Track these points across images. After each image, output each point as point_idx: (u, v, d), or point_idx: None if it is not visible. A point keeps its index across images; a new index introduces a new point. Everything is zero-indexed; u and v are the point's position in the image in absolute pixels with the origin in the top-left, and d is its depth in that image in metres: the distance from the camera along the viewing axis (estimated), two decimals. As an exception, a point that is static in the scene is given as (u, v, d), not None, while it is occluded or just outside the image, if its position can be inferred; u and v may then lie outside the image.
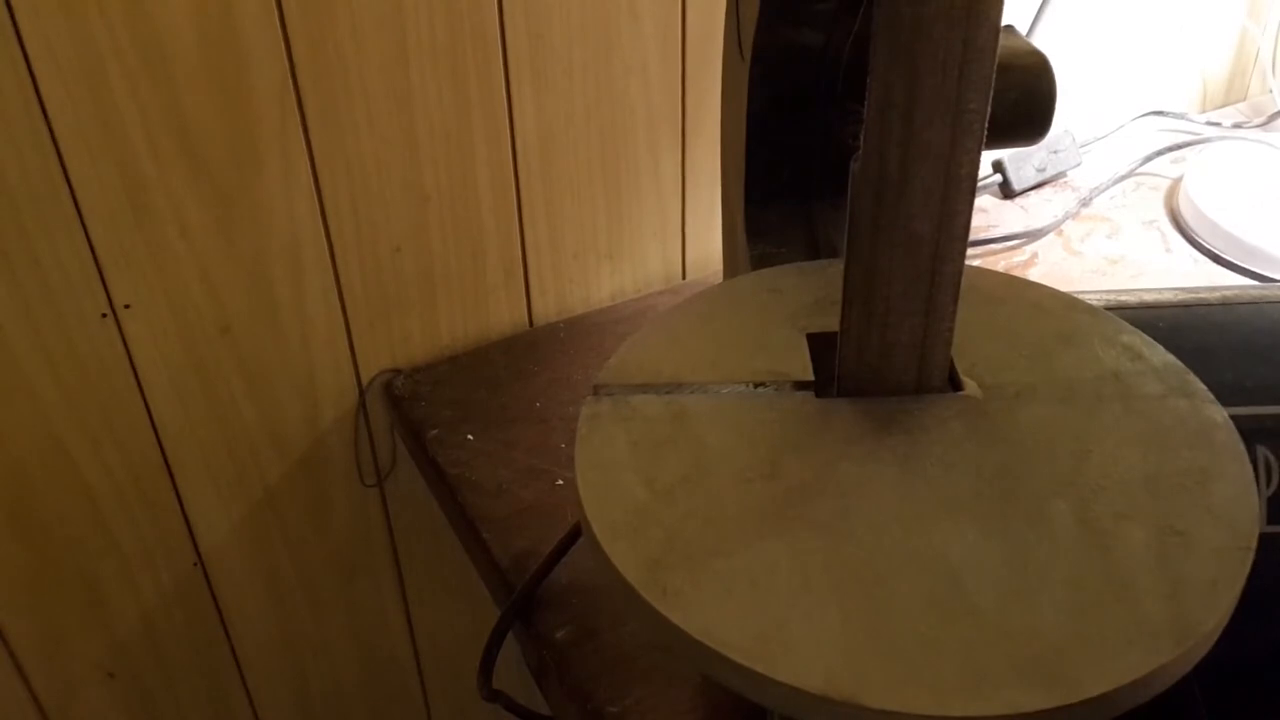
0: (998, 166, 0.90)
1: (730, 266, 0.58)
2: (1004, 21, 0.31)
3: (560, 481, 0.62)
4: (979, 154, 0.32)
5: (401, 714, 0.92)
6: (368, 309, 0.71)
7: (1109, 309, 0.42)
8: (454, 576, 0.86)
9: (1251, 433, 0.38)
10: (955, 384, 0.38)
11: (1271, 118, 1.03)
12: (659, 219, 0.80)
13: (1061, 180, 0.92)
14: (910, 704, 0.28)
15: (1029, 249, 0.83)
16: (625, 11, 0.70)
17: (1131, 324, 0.41)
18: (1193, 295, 0.51)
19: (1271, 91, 1.07)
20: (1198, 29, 1.03)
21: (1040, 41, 0.46)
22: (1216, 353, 0.47)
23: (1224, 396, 0.37)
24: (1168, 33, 1.00)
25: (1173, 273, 0.80)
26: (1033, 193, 0.91)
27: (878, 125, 0.31)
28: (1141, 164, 0.94)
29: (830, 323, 0.41)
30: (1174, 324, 0.48)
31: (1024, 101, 0.45)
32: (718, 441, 0.36)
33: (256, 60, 0.59)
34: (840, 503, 0.33)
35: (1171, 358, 0.39)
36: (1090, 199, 0.89)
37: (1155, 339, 0.40)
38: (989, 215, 0.88)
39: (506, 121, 0.70)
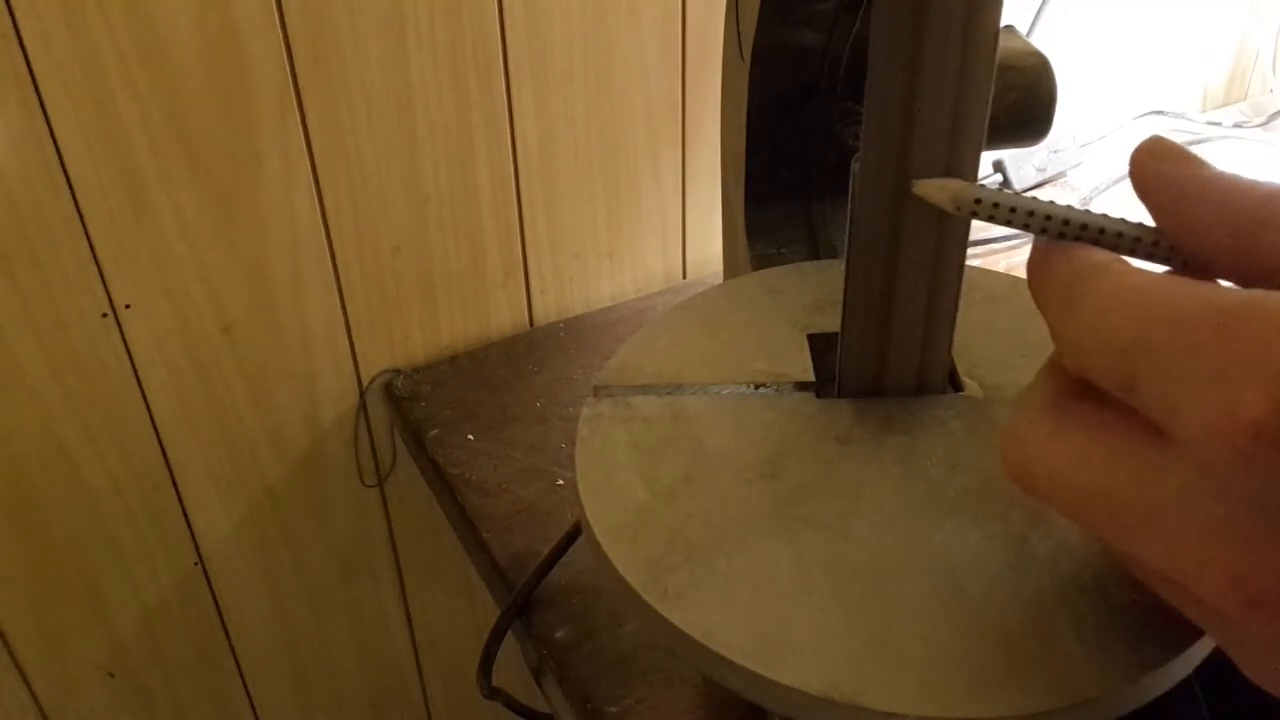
0: (998, 166, 0.90)
1: (730, 267, 0.58)
2: (1004, 21, 0.31)
3: (560, 481, 0.62)
4: (979, 154, 0.32)
5: (401, 712, 0.92)
6: (368, 309, 0.71)
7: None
8: (454, 576, 0.86)
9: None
10: (956, 384, 0.38)
11: (1272, 117, 1.03)
12: (659, 219, 0.80)
13: (1062, 180, 0.92)
14: (911, 705, 0.27)
15: (1030, 248, 0.83)
16: (625, 11, 0.70)
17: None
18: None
19: (1272, 91, 1.07)
20: (1198, 29, 1.03)
21: (1040, 42, 0.46)
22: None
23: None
24: (1168, 32, 1.00)
25: (1173, 272, 0.80)
26: (1033, 192, 0.91)
27: (877, 125, 0.31)
28: (1142, 163, 0.94)
29: (831, 323, 0.41)
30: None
31: (1024, 102, 0.44)
32: (718, 442, 0.36)
33: (256, 60, 0.59)
34: (841, 503, 0.33)
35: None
36: (1091, 198, 0.89)
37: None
38: (989, 215, 0.87)
39: (506, 121, 0.70)
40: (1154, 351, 0.21)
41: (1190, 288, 0.21)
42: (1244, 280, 0.24)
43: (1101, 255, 0.25)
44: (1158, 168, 0.25)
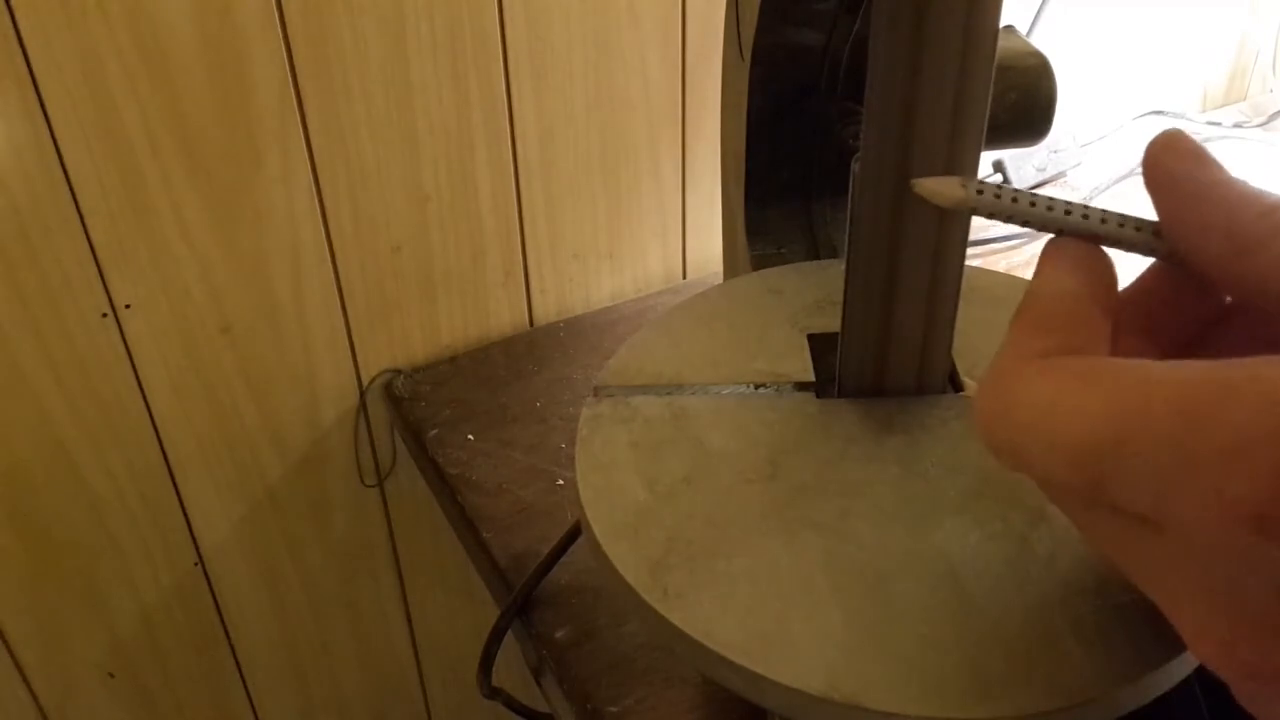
0: (998, 166, 0.90)
1: (730, 267, 0.58)
2: (1004, 22, 0.31)
3: (560, 481, 0.62)
4: (979, 154, 0.32)
5: (401, 712, 0.92)
6: (368, 309, 0.71)
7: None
8: (454, 576, 0.86)
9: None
10: (956, 384, 0.38)
11: (1272, 117, 1.03)
12: (659, 219, 0.80)
13: (1062, 180, 0.92)
14: (911, 706, 0.28)
15: (1029, 248, 0.83)
16: (625, 11, 0.70)
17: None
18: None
19: (1272, 91, 1.07)
20: (1198, 29, 1.03)
21: (1040, 42, 0.46)
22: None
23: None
24: (1168, 32, 1.00)
25: (1173, 272, 0.80)
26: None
27: (877, 125, 0.31)
28: (1142, 164, 0.94)
29: (830, 323, 0.41)
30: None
31: (1024, 103, 0.45)
32: (718, 442, 0.36)
33: (256, 60, 0.59)
34: (841, 503, 0.33)
35: (1172, 358, 0.39)
36: (1091, 198, 0.89)
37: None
38: (989, 215, 0.87)
39: (507, 121, 0.70)
40: (1123, 448, 0.19)
41: (1150, 372, 0.20)
42: (1233, 290, 0.24)
43: (1036, 343, 0.23)
44: (1169, 162, 0.24)
